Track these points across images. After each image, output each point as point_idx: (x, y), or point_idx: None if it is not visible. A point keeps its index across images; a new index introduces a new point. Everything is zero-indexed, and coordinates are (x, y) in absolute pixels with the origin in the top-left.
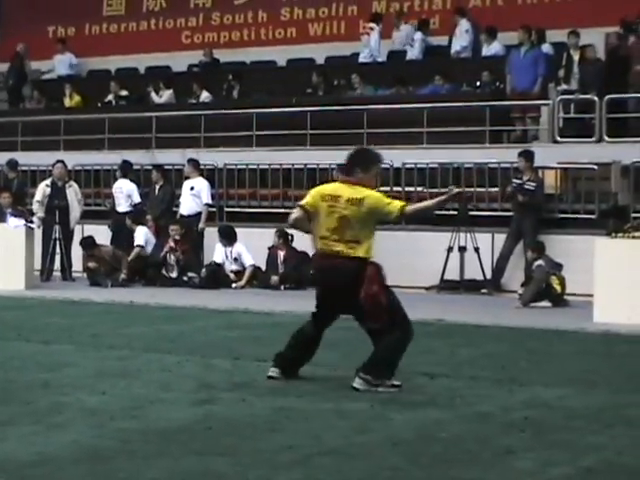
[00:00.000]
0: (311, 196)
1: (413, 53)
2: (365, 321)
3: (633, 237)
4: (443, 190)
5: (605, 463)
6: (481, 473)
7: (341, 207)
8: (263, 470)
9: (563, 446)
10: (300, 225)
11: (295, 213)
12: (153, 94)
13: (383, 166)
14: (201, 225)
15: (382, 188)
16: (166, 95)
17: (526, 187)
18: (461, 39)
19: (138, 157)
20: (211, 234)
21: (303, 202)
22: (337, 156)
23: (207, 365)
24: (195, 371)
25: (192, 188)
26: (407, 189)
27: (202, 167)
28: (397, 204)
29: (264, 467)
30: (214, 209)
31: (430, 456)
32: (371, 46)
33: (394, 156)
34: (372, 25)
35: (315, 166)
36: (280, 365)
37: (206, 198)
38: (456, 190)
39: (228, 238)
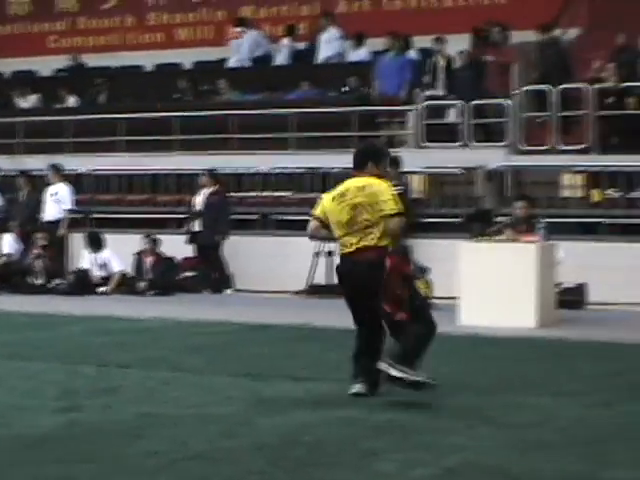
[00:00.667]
0: (321, 204)
1: (280, 59)
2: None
3: (496, 241)
4: (311, 195)
5: (467, 463)
6: (344, 476)
7: (350, 197)
8: (126, 476)
9: (426, 447)
10: (318, 234)
11: (311, 224)
12: (18, 99)
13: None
14: (61, 231)
15: (251, 193)
16: (32, 100)
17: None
18: (330, 45)
19: (3, 163)
20: (78, 240)
21: (315, 212)
22: (205, 161)
23: (72, 372)
24: (60, 378)
25: (55, 194)
26: (275, 194)
27: (69, 172)
28: (391, 209)
29: (128, 473)
30: (80, 215)
31: (294, 460)
32: (241, 51)
33: (262, 161)
34: (240, 30)
35: (183, 171)
36: (361, 380)
37: (68, 204)
38: None
39: (95, 244)
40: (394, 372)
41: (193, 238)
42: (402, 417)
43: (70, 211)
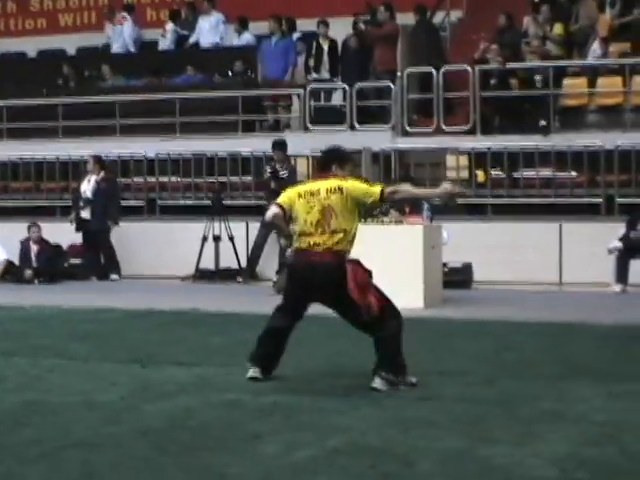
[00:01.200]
0: (286, 195)
1: (165, 43)
2: (353, 316)
3: (382, 222)
4: (197, 180)
5: (350, 443)
6: (229, 459)
7: (321, 199)
8: (8, 464)
9: (310, 428)
10: (278, 222)
11: (272, 210)
12: None
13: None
14: None
15: (135, 179)
16: None
17: (280, 175)
18: (214, 31)
19: None
20: None
21: (279, 200)
22: (88, 147)
23: None
24: None
25: None
26: (161, 179)
27: None
28: (377, 187)
29: (9, 462)
30: None
31: (179, 444)
32: (124, 36)
33: (147, 146)
34: (124, 15)
35: (68, 158)
36: (260, 364)
37: None
38: (450, 188)
39: None
40: (374, 383)
41: (82, 225)
42: (286, 399)
43: None
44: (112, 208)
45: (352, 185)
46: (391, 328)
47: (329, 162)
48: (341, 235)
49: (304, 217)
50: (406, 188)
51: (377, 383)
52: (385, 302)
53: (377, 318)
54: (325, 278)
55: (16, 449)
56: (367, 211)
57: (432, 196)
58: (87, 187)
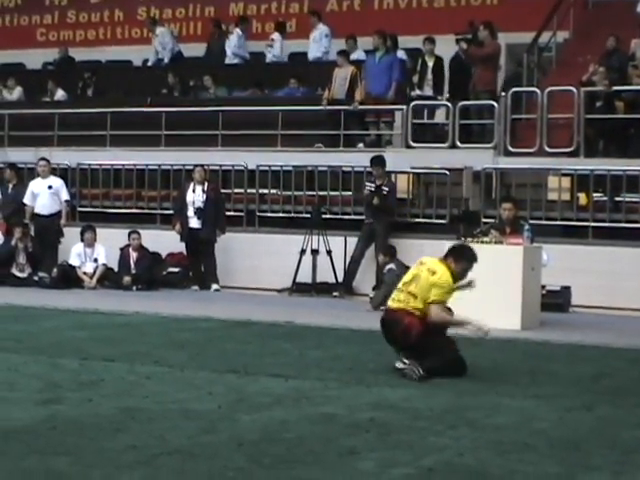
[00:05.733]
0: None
1: (271, 56)
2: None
3: (482, 242)
4: (297, 193)
5: (446, 463)
6: (323, 473)
7: (420, 270)
8: (106, 470)
9: (406, 447)
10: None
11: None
12: (4, 91)
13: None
14: (63, 222)
15: (236, 190)
16: (16, 92)
17: (380, 191)
18: (320, 44)
19: None
20: (70, 233)
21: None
22: (191, 157)
23: (54, 365)
24: (42, 371)
25: (50, 187)
26: (261, 191)
27: (55, 166)
28: (436, 297)
29: (107, 467)
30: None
31: (274, 456)
32: (230, 47)
33: (248, 158)
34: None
35: (169, 167)
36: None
37: (67, 195)
38: (477, 330)
39: (90, 238)
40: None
41: (190, 234)
42: (383, 416)
43: (68, 203)
44: (220, 217)
45: (439, 279)
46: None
47: (449, 254)
48: (413, 299)
49: (404, 276)
50: (445, 314)
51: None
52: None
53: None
54: (395, 331)
55: (113, 455)
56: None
57: (461, 328)
58: (195, 196)
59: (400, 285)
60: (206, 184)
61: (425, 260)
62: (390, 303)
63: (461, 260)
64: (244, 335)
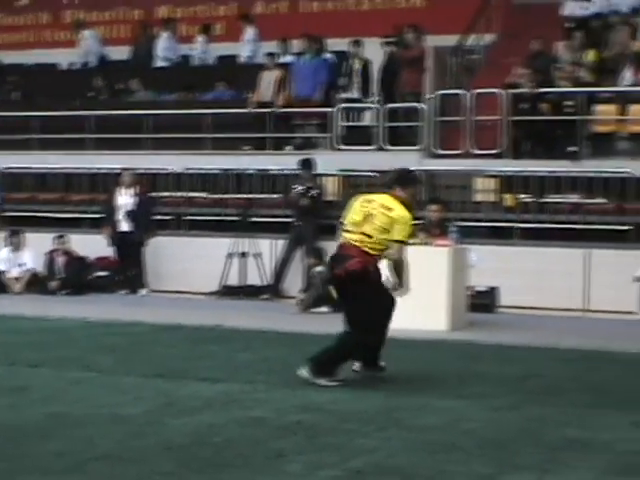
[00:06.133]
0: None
1: (198, 59)
2: (353, 314)
3: (409, 244)
4: (225, 196)
5: (374, 465)
6: (251, 476)
7: (371, 207)
8: (33, 476)
9: (333, 449)
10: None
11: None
12: None
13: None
14: None
15: (165, 193)
16: None
17: (308, 193)
18: (248, 47)
19: None
20: None
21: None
22: (119, 161)
23: None
24: None
25: None
26: (189, 195)
27: None
28: (402, 237)
29: (34, 473)
30: None
31: (202, 460)
32: (158, 50)
33: (177, 161)
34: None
35: (97, 170)
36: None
37: None
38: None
39: (17, 243)
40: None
41: (120, 238)
42: (311, 419)
43: None
44: (150, 220)
45: (400, 218)
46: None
47: (394, 181)
48: (366, 238)
49: (352, 215)
50: (400, 265)
51: (303, 372)
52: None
53: (365, 328)
54: (347, 265)
55: (41, 461)
56: None
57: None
58: (125, 200)
59: (349, 226)
60: (136, 187)
61: (372, 197)
62: (343, 241)
63: (408, 185)
64: (173, 339)
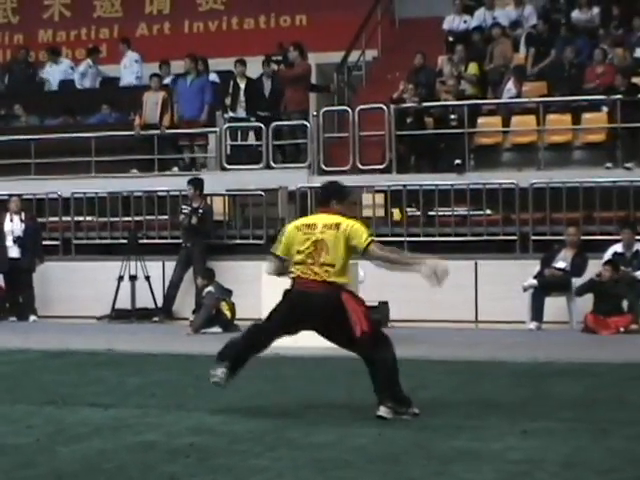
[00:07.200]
0: (285, 237)
1: (83, 82)
2: (346, 338)
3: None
4: (113, 219)
5: None
6: None
7: (317, 232)
8: None
9: (225, 470)
10: (278, 274)
11: (272, 265)
12: None
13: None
14: None
15: (51, 218)
16: None
17: (196, 213)
18: (130, 69)
19: None
20: None
21: (277, 251)
22: (5, 187)
23: None
24: None
25: None
26: (76, 219)
27: None
28: (365, 240)
29: None
30: None
31: None
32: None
33: (63, 186)
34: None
35: None
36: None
37: None
38: (434, 266)
39: None
40: (380, 412)
41: (9, 264)
42: (203, 441)
43: None
44: (38, 246)
45: (351, 226)
46: (385, 357)
47: (328, 197)
48: (330, 269)
49: (298, 248)
50: (392, 254)
51: (382, 411)
52: (377, 330)
53: (370, 338)
54: (321, 305)
55: None
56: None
57: (414, 270)
58: (13, 226)
59: (300, 258)
60: (23, 213)
61: (310, 221)
62: (300, 274)
63: (344, 198)
64: (62, 365)
